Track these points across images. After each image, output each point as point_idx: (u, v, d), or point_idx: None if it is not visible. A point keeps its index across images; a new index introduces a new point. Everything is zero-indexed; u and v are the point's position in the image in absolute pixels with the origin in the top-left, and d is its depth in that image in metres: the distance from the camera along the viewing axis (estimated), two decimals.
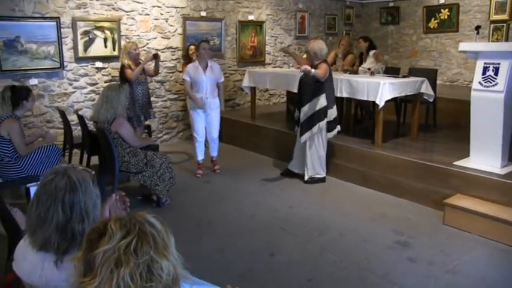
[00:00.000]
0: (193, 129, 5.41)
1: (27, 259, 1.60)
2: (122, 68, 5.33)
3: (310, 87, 4.89)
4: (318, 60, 4.91)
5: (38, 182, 1.62)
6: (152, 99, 6.68)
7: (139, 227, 1.11)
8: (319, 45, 4.96)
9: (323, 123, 4.93)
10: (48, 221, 1.51)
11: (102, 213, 1.72)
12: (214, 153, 5.57)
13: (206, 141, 5.52)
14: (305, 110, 4.96)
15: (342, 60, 6.52)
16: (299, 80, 5.11)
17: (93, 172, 1.67)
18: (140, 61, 5.43)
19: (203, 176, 5.40)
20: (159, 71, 5.97)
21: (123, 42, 6.02)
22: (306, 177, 5.12)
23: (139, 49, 5.66)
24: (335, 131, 5.07)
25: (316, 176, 5.13)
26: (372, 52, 6.33)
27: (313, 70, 4.71)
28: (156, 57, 5.46)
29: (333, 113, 4.97)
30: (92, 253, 1.08)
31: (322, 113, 4.90)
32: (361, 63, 6.51)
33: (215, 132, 5.43)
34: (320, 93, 4.87)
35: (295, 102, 5.22)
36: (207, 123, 5.35)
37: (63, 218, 1.52)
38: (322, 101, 4.88)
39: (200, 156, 5.45)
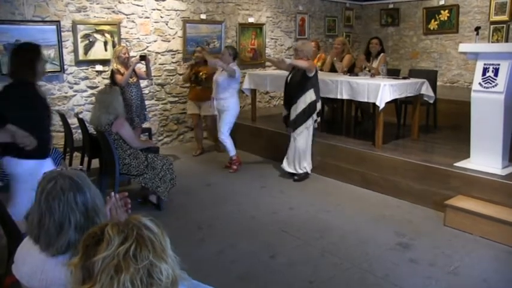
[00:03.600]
0: None
1: (27, 262, 1.59)
2: (112, 73, 5.35)
3: (299, 83, 5.06)
4: (305, 57, 5.12)
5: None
6: (152, 101, 6.71)
7: (137, 231, 1.10)
8: (309, 46, 5.31)
9: (314, 116, 5.14)
10: (66, 226, 1.51)
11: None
12: (230, 153, 5.68)
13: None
14: (296, 106, 5.12)
15: (340, 62, 6.50)
16: (286, 80, 5.29)
17: (84, 168, 1.70)
18: (130, 64, 5.43)
19: (236, 171, 5.64)
20: (152, 74, 6.03)
21: (115, 47, 6.00)
22: (296, 177, 5.29)
23: (129, 52, 5.64)
24: (315, 124, 5.28)
25: (302, 171, 5.28)
26: (381, 55, 6.29)
27: (288, 60, 5.01)
28: (143, 58, 5.47)
29: (318, 106, 5.20)
30: (91, 260, 1.07)
31: (312, 107, 5.09)
32: (368, 61, 6.42)
33: (220, 132, 5.62)
34: (309, 88, 5.06)
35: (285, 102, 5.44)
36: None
37: (81, 219, 1.52)
38: (311, 96, 5.07)
39: (230, 153, 5.66)
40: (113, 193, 1.80)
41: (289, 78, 5.24)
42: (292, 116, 5.17)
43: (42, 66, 3.09)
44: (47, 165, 2.99)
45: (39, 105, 3.07)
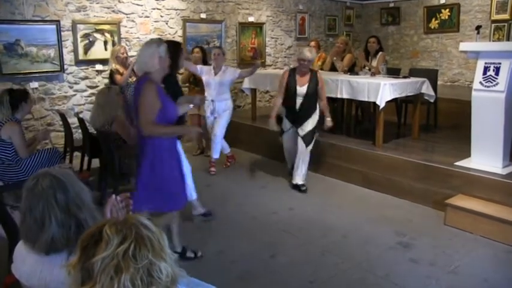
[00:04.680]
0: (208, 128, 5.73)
1: (26, 262, 1.60)
2: (111, 73, 5.33)
3: (314, 95, 4.82)
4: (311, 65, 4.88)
5: None
6: None
7: (136, 230, 1.10)
8: (314, 53, 4.97)
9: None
10: (47, 222, 1.54)
11: (104, 213, 1.72)
12: (214, 155, 5.52)
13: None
14: (313, 119, 4.86)
15: (341, 61, 6.49)
16: (296, 92, 4.81)
17: (71, 165, 1.73)
18: (129, 64, 5.40)
19: (216, 173, 5.54)
20: None
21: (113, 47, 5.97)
22: (303, 185, 4.93)
23: (127, 51, 5.59)
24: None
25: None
26: (379, 54, 6.29)
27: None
28: None
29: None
30: (90, 261, 1.07)
31: (321, 117, 4.95)
32: (366, 60, 6.43)
33: (217, 130, 5.47)
34: (317, 101, 4.90)
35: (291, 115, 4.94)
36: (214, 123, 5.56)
37: (61, 214, 1.55)
38: (318, 109, 4.91)
39: (214, 155, 5.55)
40: (113, 195, 1.80)
41: (305, 90, 4.77)
42: (307, 129, 4.84)
43: (182, 60, 3.61)
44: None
45: (178, 92, 3.65)
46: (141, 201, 2.93)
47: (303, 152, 4.89)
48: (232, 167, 5.86)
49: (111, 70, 5.38)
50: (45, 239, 1.53)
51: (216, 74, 5.38)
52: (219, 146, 5.54)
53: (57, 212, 1.54)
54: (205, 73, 5.44)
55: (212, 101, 5.41)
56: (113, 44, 6.07)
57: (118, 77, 5.24)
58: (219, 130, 5.48)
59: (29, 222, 1.56)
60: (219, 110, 5.47)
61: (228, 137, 5.84)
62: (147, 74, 2.96)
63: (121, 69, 5.30)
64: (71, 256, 1.52)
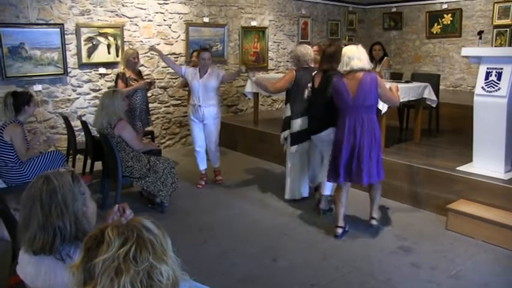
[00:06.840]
0: (192, 139, 5.29)
1: (31, 263, 1.61)
2: (117, 77, 5.30)
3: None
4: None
5: None
6: (155, 104, 6.73)
7: (137, 233, 1.11)
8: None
9: (285, 133, 4.59)
10: (31, 222, 1.58)
11: (106, 220, 1.74)
12: (216, 164, 5.33)
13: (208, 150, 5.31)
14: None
15: None
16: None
17: (73, 169, 1.74)
18: (139, 69, 5.36)
19: (204, 187, 5.23)
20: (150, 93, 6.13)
21: (126, 48, 5.99)
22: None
23: (139, 57, 5.51)
24: (284, 147, 4.73)
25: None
26: (384, 59, 6.31)
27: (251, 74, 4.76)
28: (151, 84, 5.53)
29: (293, 125, 4.47)
30: (91, 262, 1.08)
31: (286, 123, 4.59)
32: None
33: (213, 145, 5.16)
34: (286, 102, 4.65)
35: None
36: (205, 134, 5.13)
37: (42, 216, 1.57)
38: (287, 111, 4.56)
39: (202, 167, 5.26)
40: (116, 205, 1.81)
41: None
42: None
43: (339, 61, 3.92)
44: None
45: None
46: (382, 172, 3.84)
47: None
48: (234, 170, 5.86)
49: (117, 74, 5.34)
50: (27, 238, 1.58)
51: (201, 76, 4.96)
52: (218, 153, 5.31)
53: (39, 214, 1.57)
54: (189, 75, 5.03)
55: (199, 106, 4.97)
56: (116, 48, 6.09)
57: (120, 84, 5.17)
58: (215, 139, 5.17)
59: (20, 221, 1.62)
60: (208, 117, 5.03)
61: (230, 141, 5.85)
62: (366, 70, 3.70)
63: (128, 73, 5.24)
64: (69, 259, 1.54)
